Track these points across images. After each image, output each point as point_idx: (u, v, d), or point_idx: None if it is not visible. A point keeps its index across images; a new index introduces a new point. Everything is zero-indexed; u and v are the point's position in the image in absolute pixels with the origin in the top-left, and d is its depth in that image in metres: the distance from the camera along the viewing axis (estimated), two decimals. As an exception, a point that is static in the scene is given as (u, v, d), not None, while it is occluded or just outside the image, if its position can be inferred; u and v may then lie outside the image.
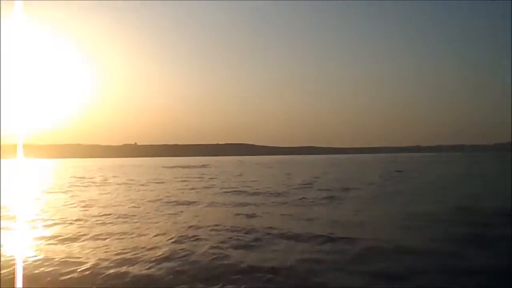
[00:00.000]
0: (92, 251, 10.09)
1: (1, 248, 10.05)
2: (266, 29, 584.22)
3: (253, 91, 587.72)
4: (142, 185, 32.68)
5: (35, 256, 9.55)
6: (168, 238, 11.36)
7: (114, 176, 46.38)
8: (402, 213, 15.21)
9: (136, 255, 9.53)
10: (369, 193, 23.03)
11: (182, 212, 16.88)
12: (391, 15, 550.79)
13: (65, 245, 10.76)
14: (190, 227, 13.06)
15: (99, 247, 10.46)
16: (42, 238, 11.67)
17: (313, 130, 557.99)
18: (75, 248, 10.48)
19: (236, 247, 10.24)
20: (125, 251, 9.97)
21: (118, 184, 34.18)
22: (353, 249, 9.87)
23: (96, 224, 14.11)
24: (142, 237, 11.61)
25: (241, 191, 25.08)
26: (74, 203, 20.32)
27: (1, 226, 13.45)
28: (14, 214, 17.30)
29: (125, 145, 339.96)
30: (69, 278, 8.11)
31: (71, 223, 14.25)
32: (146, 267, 8.67)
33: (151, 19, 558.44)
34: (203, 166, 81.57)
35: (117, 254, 9.66)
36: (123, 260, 9.12)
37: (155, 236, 11.73)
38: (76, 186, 32.59)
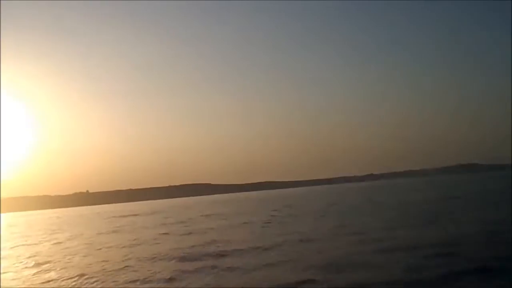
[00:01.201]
0: None
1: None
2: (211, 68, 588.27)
3: (204, 128, 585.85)
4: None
5: None
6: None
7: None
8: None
9: None
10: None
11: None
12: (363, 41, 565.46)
13: None
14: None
15: None
16: None
17: (269, 164, 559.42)
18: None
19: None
20: None
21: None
22: None
23: None
24: None
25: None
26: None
27: None
28: None
29: (76, 193, 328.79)
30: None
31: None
32: None
33: (90, 55, 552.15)
34: (153, 213, 79.37)
35: None
36: None
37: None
38: None
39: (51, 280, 15.92)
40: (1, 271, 18.64)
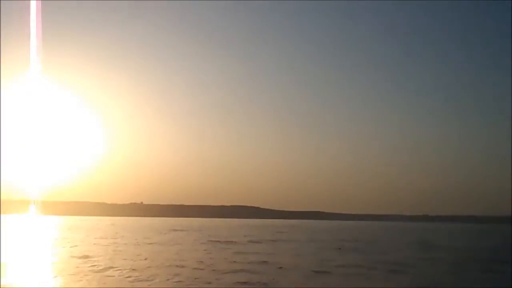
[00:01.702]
0: None
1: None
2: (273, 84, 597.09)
3: (261, 151, 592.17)
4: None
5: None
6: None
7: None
8: None
9: None
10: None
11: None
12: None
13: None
14: None
15: None
16: None
17: (322, 194, 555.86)
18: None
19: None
20: None
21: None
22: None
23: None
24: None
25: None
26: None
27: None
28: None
29: (131, 203, 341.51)
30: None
31: None
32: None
33: (160, 75, 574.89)
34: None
35: None
36: None
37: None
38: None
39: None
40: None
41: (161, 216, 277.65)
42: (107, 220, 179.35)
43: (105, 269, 21.87)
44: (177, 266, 24.51)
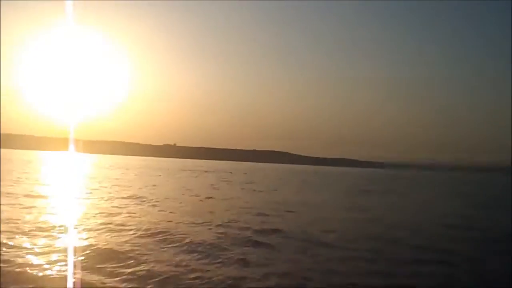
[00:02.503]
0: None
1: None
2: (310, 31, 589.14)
3: (294, 97, 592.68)
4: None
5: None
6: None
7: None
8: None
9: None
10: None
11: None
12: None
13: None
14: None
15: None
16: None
17: (348, 141, 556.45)
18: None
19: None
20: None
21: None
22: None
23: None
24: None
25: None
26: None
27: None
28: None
29: (165, 145, 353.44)
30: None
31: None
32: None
33: (194, 17, 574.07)
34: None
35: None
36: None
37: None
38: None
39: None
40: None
41: (193, 158, 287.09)
42: (139, 160, 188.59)
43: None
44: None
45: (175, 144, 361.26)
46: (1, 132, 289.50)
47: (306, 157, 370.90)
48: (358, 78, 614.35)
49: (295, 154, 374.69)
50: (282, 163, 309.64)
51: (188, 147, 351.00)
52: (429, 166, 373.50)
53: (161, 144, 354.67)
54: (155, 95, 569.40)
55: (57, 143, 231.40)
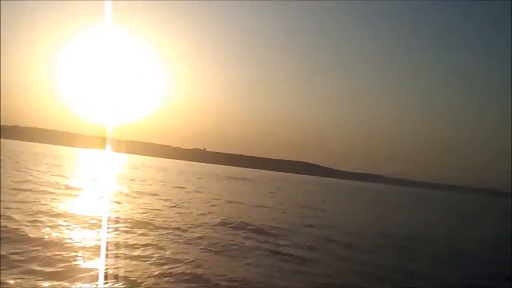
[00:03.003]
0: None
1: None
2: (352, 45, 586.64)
3: (325, 111, 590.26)
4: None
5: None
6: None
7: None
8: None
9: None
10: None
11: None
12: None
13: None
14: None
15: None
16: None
17: (383, 156, 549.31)
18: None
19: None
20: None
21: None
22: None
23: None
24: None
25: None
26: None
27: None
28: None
29: (194, 149, 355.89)
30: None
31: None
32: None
33: (239, 24, 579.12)
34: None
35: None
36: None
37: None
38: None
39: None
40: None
41: (221, 164, 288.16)
42: (170, 162, 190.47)
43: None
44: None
45: (204, 149, 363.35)
46: (37, 126, 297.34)
47: (336, 170, 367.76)
48: (392, 93, 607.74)
49: (324, 167, 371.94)
50: (311, 174, 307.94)
51: (217, 152, 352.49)
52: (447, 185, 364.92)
53: (191, 148, 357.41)
54: (189, 100, 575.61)
55: (92, 140, 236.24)
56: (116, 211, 19.97)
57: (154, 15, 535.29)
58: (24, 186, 25.55)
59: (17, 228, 13.81)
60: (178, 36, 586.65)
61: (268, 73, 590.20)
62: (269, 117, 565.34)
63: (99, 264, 11.11)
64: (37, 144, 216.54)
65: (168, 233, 16.13)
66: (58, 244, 12.70)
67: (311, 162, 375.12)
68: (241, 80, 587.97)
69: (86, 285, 9.78)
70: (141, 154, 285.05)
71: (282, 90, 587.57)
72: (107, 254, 12.02)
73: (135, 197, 27.07)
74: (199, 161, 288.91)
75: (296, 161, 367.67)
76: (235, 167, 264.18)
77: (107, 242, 13.57)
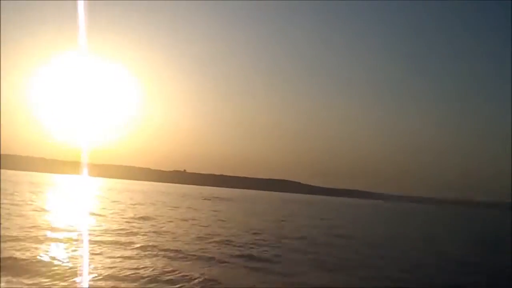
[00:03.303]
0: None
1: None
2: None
3: (302, 127, 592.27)
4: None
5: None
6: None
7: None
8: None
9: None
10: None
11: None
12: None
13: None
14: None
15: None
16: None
17: (362, 172, 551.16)
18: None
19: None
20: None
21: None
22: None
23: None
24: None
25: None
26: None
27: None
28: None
29: (175, 171, 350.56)
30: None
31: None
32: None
33: (209, 43, 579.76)
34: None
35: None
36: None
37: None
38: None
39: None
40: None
41: (202, 185, 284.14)
42: (150, 185, 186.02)
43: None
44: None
45: (185, 171, 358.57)
46: (13, 154, 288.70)
47: (317, 187, 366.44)
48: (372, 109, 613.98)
49: (306, 184, 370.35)
50: (293, 192, 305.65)
51: (197, 173, 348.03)
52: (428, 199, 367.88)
53: (171, 170, 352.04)
54: (166, 121, 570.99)
55: (69, 166, 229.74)
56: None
57: (127, 36, 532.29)
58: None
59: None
60: (152, 56, 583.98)
61: (246, 87, 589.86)
62: (250, 135, 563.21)
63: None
64: (10, 171, 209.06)
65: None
66: None
67: (292, 180, 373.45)
68: (220, 97, 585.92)
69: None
70: (121, 178, 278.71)
71: (262, 108, 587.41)
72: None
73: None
74: (180, 183, 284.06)
75: (278, 179, 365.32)
76: (217, 187, 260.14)
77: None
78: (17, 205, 33.45)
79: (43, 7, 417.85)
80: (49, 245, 17.18)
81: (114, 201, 48.21)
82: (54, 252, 15.71)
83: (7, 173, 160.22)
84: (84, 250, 16.21)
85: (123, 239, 20.40)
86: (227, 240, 22.58)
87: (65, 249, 16.50)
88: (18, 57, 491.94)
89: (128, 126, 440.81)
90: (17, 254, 15.09)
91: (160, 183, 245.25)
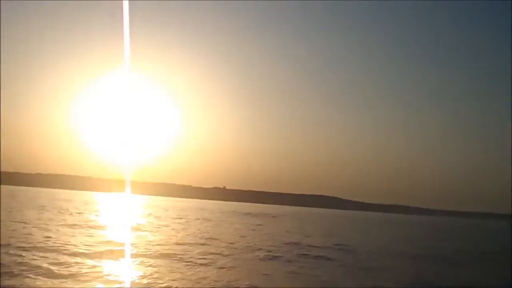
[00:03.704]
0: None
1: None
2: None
3: (345, 142, 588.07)
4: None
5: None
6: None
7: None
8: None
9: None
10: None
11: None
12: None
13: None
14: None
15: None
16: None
17: (410, 187, 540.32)
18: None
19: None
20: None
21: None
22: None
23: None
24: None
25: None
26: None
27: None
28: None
29: (214, 188, 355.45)
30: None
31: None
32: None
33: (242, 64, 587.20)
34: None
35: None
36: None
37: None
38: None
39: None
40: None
41: (242, 201, 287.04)
42: (192, 202, 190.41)
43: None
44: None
45: (224, 187, 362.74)
46: (59, 173, 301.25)
47: (357, 202, 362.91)
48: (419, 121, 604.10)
49: (345, 199, 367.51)
50: (332, 208, 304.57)
51: (237, 190, 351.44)
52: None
53: (211, 186, 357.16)
54: (206, 138, 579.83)
55: (113, 184, 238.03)
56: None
57: (168, 54, 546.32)
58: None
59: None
60: (192, 75, 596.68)
61: (285, 108, 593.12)
62: (289, 151, 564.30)
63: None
64: (59, 190, 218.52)
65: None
66: None
67: (331, 195, 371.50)
68: (258, 114, 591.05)
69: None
70: (162, 195, 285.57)
71: (300, 124, 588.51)
72: None
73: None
74: (219, 199, 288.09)
75: (317, 195, 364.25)
76: (257, 204, 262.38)
77: None
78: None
79: (87, 29, 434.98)
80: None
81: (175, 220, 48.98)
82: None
83: (57, 192, 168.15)
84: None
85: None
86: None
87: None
88: (63, 78, 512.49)
89: (169, 144, 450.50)
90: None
91: (201, 200, 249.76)
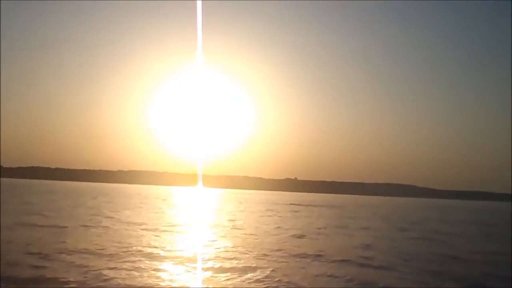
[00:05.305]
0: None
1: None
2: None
3: (418, 127, 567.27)
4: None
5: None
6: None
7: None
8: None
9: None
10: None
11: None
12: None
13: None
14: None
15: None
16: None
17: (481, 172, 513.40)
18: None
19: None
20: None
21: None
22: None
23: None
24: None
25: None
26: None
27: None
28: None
29: (286, 179, 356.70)
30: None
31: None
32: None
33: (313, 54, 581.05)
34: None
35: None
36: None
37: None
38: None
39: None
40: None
41: (313, 192, 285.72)
42: (266, 194, 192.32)
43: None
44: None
45: (296, 178, 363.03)
46: (137, 169, 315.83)
47: (435, 189, 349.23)
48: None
49: (422, 187, 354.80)
50: (407, 196, 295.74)
51: (309, 180, 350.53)
52: None
53: (283, 178, 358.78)
54: (277, 130, 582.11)
55: (187, 178, 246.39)
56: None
57: (242, 47, 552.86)
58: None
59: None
60: (264, 65, 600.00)
61: (355, 92, 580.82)
62: (360, 140, 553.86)
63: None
64: (138, 186, 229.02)
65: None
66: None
67: (406, 183, 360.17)
68: (329, 103, 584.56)
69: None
70: (235, 187, 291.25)
71: (370, 115, 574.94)
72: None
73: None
74: (291, 191, 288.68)
75: (391, 183, 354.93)
76: (329, 194, 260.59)
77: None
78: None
79: (159, 27, 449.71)
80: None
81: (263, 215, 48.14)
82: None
83: (138, 188, 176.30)
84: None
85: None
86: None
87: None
88: (135, 76, 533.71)
89: (241, 138, 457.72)
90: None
91: (273, 192, 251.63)
